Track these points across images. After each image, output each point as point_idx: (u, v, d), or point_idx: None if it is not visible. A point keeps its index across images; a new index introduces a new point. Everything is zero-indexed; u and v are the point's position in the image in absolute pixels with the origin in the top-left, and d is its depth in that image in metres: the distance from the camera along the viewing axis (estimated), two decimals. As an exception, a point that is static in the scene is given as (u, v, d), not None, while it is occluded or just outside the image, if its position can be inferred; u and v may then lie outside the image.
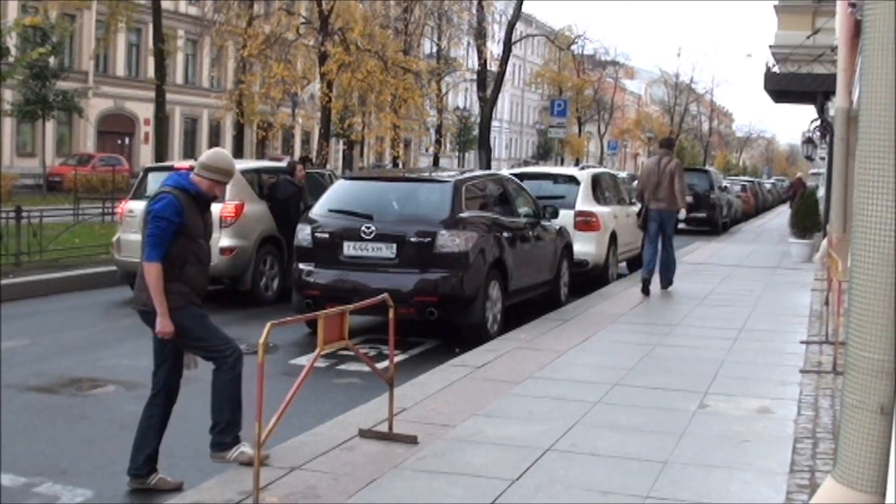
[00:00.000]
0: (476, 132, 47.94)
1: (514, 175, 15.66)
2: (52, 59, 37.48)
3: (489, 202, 12.42)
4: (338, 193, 11.98)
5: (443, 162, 53.02)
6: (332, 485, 5.79)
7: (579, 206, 15.96)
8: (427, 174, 13.61)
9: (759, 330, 11.65)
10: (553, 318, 12.29)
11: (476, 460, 6.30)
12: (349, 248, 10.98)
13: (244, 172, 14.48)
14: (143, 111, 43.52)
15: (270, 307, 13.62)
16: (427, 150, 53.09)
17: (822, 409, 7.69)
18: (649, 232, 14.97)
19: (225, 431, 6.21)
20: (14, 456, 6.66)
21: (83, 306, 13.55)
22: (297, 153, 56.25)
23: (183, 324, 6.07)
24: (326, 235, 11.17)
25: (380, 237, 10.83)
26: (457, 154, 72.21)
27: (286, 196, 14.47)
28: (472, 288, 10.86)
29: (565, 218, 14.89)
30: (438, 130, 46.21)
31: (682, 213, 15.61)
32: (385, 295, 6.79)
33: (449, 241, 10.71)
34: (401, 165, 37.86)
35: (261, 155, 49.20)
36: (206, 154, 6.33)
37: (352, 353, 6.63)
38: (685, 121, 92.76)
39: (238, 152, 45.10)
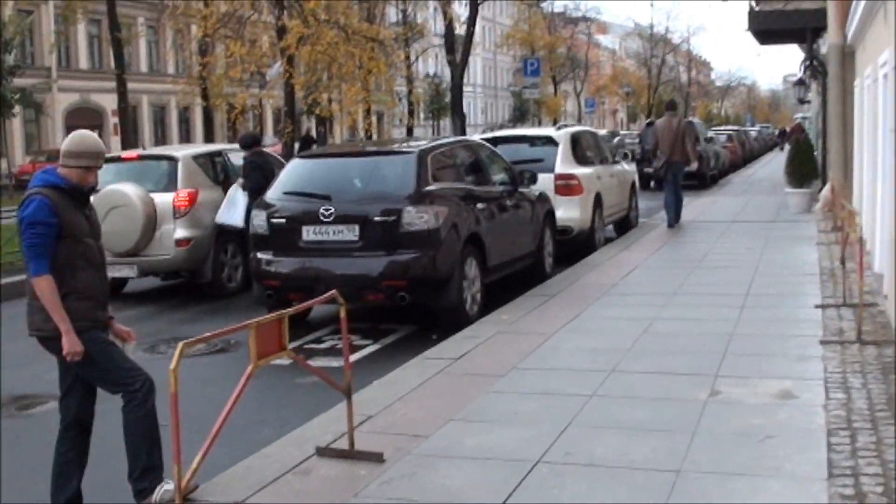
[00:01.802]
0: (448, 99, 46.71)
1: (487, 140, 14.56)
2: (9, 56, 36.59)
3: (460, 172, 11.41)
4: (293, 174, 10.89)
5: (417, 132, 51.75)
6: (278, 527, 4.81)
7: (559, 168, 14.88)
8: (388, 146, 12.54)
9: (766, 294, 10.51)
10: (538, 294, 11.27)
11: (452, 481, 5.31)
12: (308, 233, 9.99)
13: (196, 158, 13.68)
14: (110, 103, 42.34)
15: (234, 299, 12.83)
16: (400, 121, 51.76)
17: (854, 390, 6.56)
18: (667, 180, 17.80)
19: (143, 477, 5.25)
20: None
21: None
22: (271, 132, 55.07)
23: (84, 351, 5.10)
24: (283, 220, 10.22)
25: (340, 219, 9.82)
26: (431, 123, 70.92)
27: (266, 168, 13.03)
28: (445, 268, 9.84)
29: (545, 182, 13.78)
30: (409, 100, 44.95)
31: (694, 166, 18.66)
32: (334, 292, 5.77)
33: (416, 218, 9.68)
34: (372, 138, 36.49)
35: (233, 138, 47.89)
36: (67, 140, 5.28)
37: (321, 346, 5.62)
38: (663, 73, 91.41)
39: (209, 137, 43.95)
